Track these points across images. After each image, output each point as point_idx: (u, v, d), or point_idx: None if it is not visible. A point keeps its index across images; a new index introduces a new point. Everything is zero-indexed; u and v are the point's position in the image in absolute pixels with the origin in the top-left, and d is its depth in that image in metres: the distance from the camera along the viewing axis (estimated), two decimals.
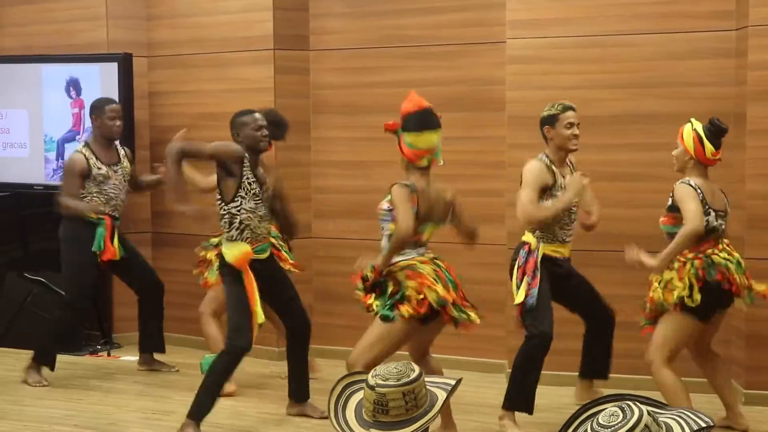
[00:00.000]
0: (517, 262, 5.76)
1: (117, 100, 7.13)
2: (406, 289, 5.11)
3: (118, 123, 6.92)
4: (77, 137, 7.85)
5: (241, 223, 5.59)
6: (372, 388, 3.11)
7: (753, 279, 5.62)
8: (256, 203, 5.62)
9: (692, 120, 5.58)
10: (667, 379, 5.46)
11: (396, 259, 5.17)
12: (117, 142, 7.03)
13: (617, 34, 6.66)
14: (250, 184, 5.60)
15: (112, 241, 6.80)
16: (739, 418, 5.76)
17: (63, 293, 7.94)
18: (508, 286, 6.79)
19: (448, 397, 3.22)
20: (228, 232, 5.62)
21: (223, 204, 5.62)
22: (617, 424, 2.71)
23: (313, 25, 7.71)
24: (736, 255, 5.52)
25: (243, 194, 5.58)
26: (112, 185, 6.86)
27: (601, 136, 6.45)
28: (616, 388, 6.10)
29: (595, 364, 6.16)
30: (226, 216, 5.61)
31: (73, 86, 7.77)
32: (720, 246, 5.48)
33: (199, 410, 5.53)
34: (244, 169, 5.57)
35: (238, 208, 5.58)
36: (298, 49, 7.69)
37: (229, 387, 6.32)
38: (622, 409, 2.74)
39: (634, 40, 6.63)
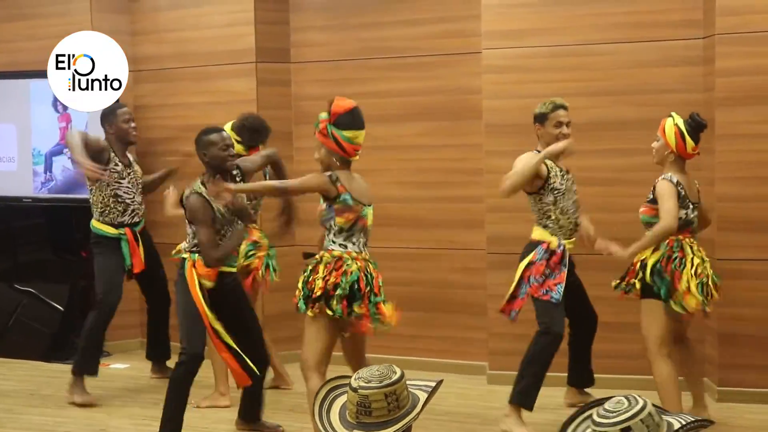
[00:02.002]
0: (528, 259, 5.80)
1: (122, 104, 7.02)
2: (318, 281, 5.18)
3: (133, 125, 6.87)
4: (64, 150, 7.97)
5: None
6: (355, 390, 3.19)
7: (722, 279, 5.79)
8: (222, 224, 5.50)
9: (673, 114, 5.70)
10: (662, 371, 5.55)
11: (332, 246, 5.30)
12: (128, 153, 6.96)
13: (590, 44, 6.82)
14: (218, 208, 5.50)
15: (137, 252, 6.78)
16: (703, 410, 5.85)
17: (53, 303, 8.10)
18: (489, 290, 6.98)
19: (429, 398, 3.31)
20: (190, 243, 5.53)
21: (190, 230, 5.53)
22: (623, 410, 2.85)
23: (294, 38, 7.86)
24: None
25: (219, 215, 5.47)
26: (125, 188, 6.76)
27: (576, 143, 6.57)
28: (601, 387, 6.26)
29: (584, 372, 6.28)
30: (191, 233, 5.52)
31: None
32: (694, 239, 5.65)
33: (169, 427, 5.53)
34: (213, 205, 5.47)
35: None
36: (279, 61, 7.83)
37: (223, 400, 6.44)
38: (627, 399, 2.88)
39: (606, 49, 6.79)
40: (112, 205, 6.74)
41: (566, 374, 6.34)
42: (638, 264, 5.60)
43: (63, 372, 7.54)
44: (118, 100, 6.94)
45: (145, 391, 7.00)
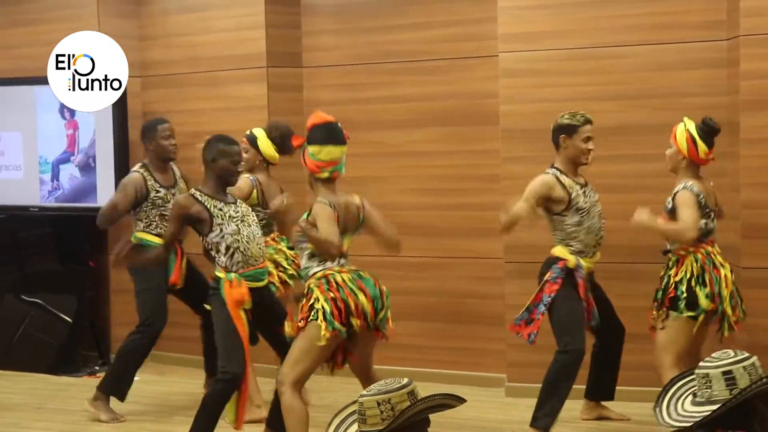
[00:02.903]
0: (546, 276, 5.67)
1: (164, 119, 6.88)
2: (317, 302, 5.04)
3: (173, 141, 6.71)
4: (72, 158, 7.87)
5: (228, 248, 5.40)
6: (356, 401, 3.15)
7: (746, 288, 5.64)
8: (237, 225, 5.42)
9: (685, 119, 5.59)
10: None
11: (313, 269, 5.12)
12: (172, 163, 6.82)
13: (609, 46, 6.67)
14: (220, 209, 5.42)
15: (178, 265, 6.52)
16: None
17: (61, 315, 7.98)
18: (507, 300, 6.85)
19: (421, 405, 3.15)
20: (218, 259, 5.42)
21: (203, 238, 5.44)
22: (728, 357, 3.00)
23: (306, 42, 7.73)
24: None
25: (219, 221, 5.39)
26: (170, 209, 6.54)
27: (595, 148, 6.45)
28: (620, 400, 6.15)
29: (605, 384, 6.13)
30: (210, 247, 5.42)
31: (67, 107, 7.77)
32: (717, 249, 5.54)
33: None
34: (209, 206, 5.40)
35: (221, 235, 5.40)
36: (291, 66, 7.71)
37: (260, 412, 6.28)
38: (734, 351, 3.02)
39: (625, 51, 6.64)
40: (157, 221, 6.56)
41: (584, 387, 6.17)
42: (673, 286, 5.48)
43: (70, 385, 7.46)
44: (163, 120, 6.82)
45: (153, 405, 6.88)
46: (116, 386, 6.54)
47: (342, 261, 5.17)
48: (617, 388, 6.16)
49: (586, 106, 6.26)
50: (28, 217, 8.12)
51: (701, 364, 3.01)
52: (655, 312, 5.60)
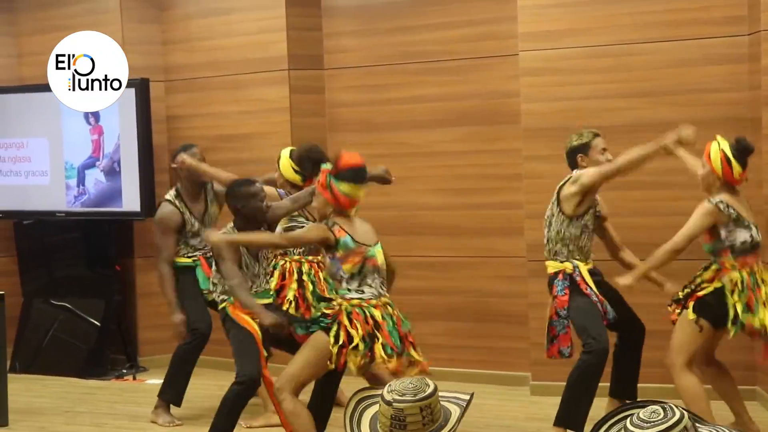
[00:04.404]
0: (553, 293, 5.65)
1: (192, 144, 6.70)
2: (341, 328, 5.01)
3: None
4: (97, 163, 7.94)
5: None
6: (389, 403, 3.14)
7: None
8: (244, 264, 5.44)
9: (718, 138, 5.46)
10: (687, 383, 5.42)
11: (350, 294, 5.15)
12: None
13: (629, 43, 6.65)
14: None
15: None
16: (750, 423, 5.69)
17: (89, 318, 8.05)
18: (530, 299, 6.85)
19: (463, 412, 3.24)
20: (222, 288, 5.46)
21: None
22: (658, 421, 2.72)
23: (327, 44, 7.76)
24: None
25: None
26: (199, 239, 6.50)
27: (615, 146, 6.40)
28: (642, 397, 6.06)
29: (627, 384, 6.09)
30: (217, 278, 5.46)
31: (92, 113, 7.84)
32: (760, 266, 5.45)
33: None
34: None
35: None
36: (312, 68, 7.74)
37: (276, 418, 6.31)
38: (664, 409, 2.76)
39: (646, 48, 6.62)
40: (183, 248, 6.53)
41: (609, 384, 6.16)
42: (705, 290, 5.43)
43: (98, 388, 7.52)
44: (191, 144, 6.68)
45: (180, 408, 6.90)
46: (171, 392, 6.56)
47: (378, 284, 5.15)
48: (641, 385, 6.14)
49: (607, 103, 6.27)
50: (54, 222, 8.20)
51: (629, 427, 2.79)
52: (673, 307, 5.57)
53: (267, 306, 5.47)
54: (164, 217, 6.50)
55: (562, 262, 5.65)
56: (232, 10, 7.95)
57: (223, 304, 5.43)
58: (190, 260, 6.52)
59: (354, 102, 7.66)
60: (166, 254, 6.47)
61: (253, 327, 5.35)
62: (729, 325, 5.34)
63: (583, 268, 5.65)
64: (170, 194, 6.56)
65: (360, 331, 4.96)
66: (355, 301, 5.05)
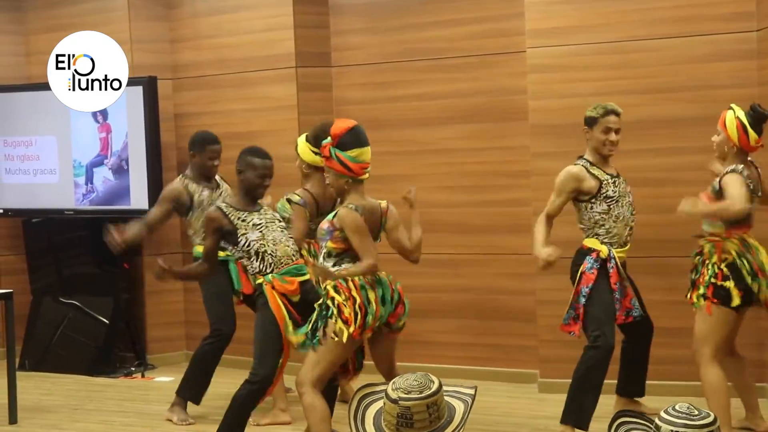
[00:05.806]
0: (581, 268, 5.62)
1: (216, 139, 6.70)
2: (332, 301, 5.04)
3: (216, 163, 6.64)
4: (105, 161, 7.95)
5: (257, 253, 5.36)
6: (395, 401, 3.13)
7: None
8: (261, 231, 5.38)
9: (733, 106, 5.48)
10: (712, 377, 5.36)
11: (335, 269, 5.13)
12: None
13: (637, 40, 6.64)
14: (243, 220, 5.40)
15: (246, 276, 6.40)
16: (760, 420, 5.68)
17: (98, 316, 8.05)
18: (538, 296, 6.84)
19: (469, 409, 3.23)
20: (251, 267, 5.40)
21: (231, 248, 5.45)
22: (692, 419, 2.79)
23: (334, 41, 7.76)
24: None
25: (242, 231, 5.36)
26: None
27: (625, 142, 6.39)
28: (650, 394, 6.11)
29: (635, 381, 6.08)
30: (242, 255, 5.41)
31: (100, 111, 7.84)
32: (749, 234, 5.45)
33: None
34: (232, 219, 5.39)
35: (247, 243, 5.37)
36: (320, 66, 7.74)
37: (284, 416, 6.32)
38: (699, 409, 2.83)
39: (654, 44, 6.60)
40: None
41: (615, 382, 6.15)
42: (707, 273, 5.39)
43: (108, 386, 7.54)
44: (212, 136, 6.70)
45: (189, 406, 6.90)
46: (190, 390, 6.54)
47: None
48: (649, 382, 6.13)
49: (616, 100, 6.22)
50: (63, 220, 8.22)
51: (662, 415, 2.83)
52: (692, 297, 5.49)
53: (305, 282, 5.43)
54: (166, 188, 6.64)
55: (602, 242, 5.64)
56: (240, 7, 7.95)
57: (260, 280, 5.36)
58: (222, 254, 6.46)
59: (361, 99, 7.65)
60: (149, 218, 6.53)
61: (282, 313, 5.29)
62: (750, 281, 5.31)
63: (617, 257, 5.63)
64: (176, 180, 6.65)
65: (353, 293, 4.99)
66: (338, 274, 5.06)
